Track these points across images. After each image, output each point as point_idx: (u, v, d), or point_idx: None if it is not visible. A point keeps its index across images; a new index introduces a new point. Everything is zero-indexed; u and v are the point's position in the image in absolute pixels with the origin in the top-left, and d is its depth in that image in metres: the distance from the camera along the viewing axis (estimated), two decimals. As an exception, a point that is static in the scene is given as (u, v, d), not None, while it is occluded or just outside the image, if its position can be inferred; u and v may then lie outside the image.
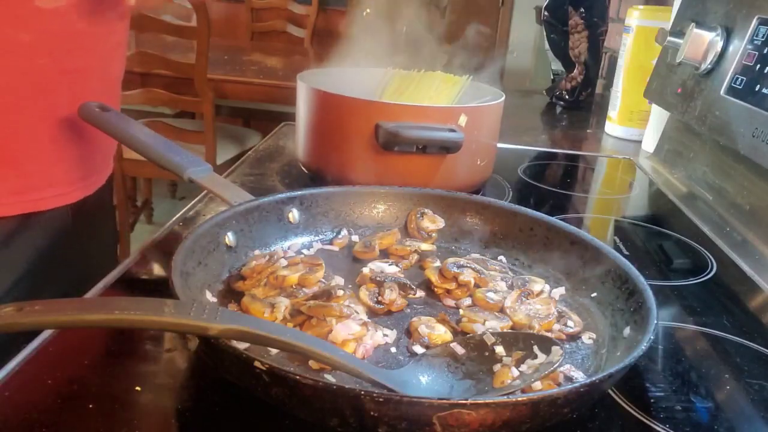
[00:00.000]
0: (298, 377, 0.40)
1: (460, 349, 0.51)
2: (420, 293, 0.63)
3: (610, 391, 0.51)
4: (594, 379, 0.43)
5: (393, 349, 0.54)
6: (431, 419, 0.38)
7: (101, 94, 0.81)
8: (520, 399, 0.40)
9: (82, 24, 0.74)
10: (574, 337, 0.57)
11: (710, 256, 0.80)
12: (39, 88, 0.73)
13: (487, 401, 0.39)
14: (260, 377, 0.41)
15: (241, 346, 0.46)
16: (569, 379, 0.51)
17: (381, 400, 0.38)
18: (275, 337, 0.43)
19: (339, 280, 0.63)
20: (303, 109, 0.90)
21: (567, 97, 1.67)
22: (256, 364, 0.40)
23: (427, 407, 0.38)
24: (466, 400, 0.39)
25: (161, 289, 0.62)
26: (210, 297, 0.57)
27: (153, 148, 0.71)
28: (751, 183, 0.87)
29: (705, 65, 0.96)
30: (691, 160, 1.06)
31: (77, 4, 0.72)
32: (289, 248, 0.69)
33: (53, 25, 0.64)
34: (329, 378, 0.48)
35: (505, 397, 0.40)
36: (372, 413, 0.39)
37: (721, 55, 0.94)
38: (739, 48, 0.90)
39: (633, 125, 1.36)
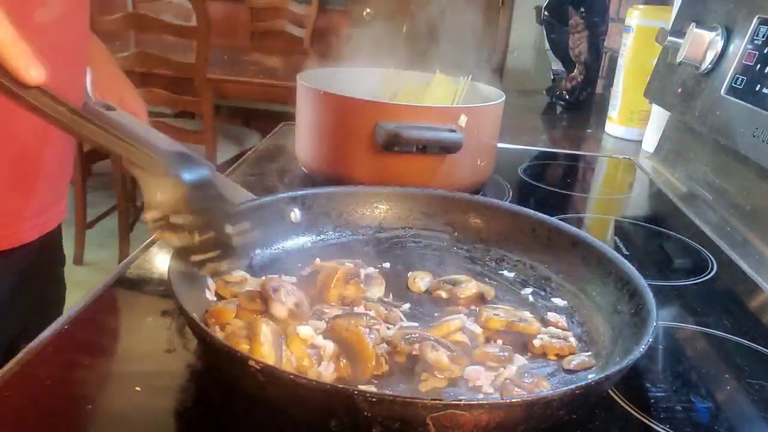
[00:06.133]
0: (292, 376, 0.40)
1: None
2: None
3: (610, 392, 0.51)
4: (590, 381, 0.43)
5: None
6: (425, 420, 0.38)
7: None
8: (514, 400, 0.40)
9: (76, 34, 0.71)
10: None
11: (710, 256, 0.79)
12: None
13: (481, 402, 0.39)
14: (255, 377, 0.41)
15: (243, 346, 0.46)
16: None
17: (374, 400, 0.38)
18: None
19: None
20: (303, 109, 0.90)
21: (567, 97, 1.67)
22: (251, 363, 0.40)
23: (420, 408, 0.38)
24: (460, 401, 0.39)
25: (162, 288, 0.62)
26: (210, 296, 0.57)
27: None
28: (752, 183, 0.87)
29: (705, 65, 0.96)
30: (691, 160, 1.06)
31: (71, 13, 0.70)
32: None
33: (53, 39, 0.58)
34: (325, 377, 0.48)
35: (499, 398, 0.40)
36: (365, 413, 0.39)
37: (722, 55, 0.94)
38: (739, 48, 0.90)
39: (633, 125, 1.36)
